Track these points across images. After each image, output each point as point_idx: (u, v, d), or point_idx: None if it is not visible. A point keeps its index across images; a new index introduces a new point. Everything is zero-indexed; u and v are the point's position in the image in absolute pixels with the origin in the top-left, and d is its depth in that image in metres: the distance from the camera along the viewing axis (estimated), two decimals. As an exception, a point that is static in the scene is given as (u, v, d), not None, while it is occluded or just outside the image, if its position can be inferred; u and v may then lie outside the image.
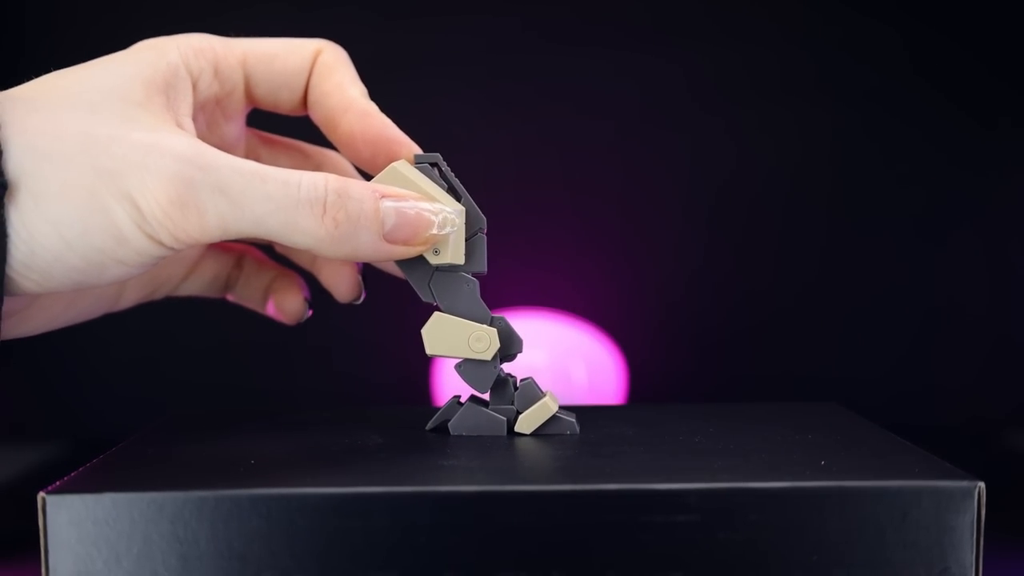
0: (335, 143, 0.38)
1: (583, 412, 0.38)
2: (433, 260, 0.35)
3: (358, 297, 0.41)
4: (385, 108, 0.37)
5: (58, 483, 0.30)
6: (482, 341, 0.35)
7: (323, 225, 0.32)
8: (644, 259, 0.68)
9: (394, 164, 0.34)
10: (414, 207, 0.33)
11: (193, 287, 0.41)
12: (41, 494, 0.29)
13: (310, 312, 0.42)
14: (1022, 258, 0.67)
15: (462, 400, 0.37)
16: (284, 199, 0.31)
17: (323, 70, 0.37)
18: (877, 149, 0.67)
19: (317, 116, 0.38)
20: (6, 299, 0.31)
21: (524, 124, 0.67)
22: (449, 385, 0.63)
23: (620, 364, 0.65)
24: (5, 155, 0.29)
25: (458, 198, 0.35)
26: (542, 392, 0.36)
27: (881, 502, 0.29)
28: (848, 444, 0.35)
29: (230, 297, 0.42)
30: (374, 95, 0.38)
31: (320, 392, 0.67)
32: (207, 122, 0.37)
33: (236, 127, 0.38)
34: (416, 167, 0.35)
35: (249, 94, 0.37)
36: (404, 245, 0.33)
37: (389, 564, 0.29)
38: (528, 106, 0.67)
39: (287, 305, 0.41)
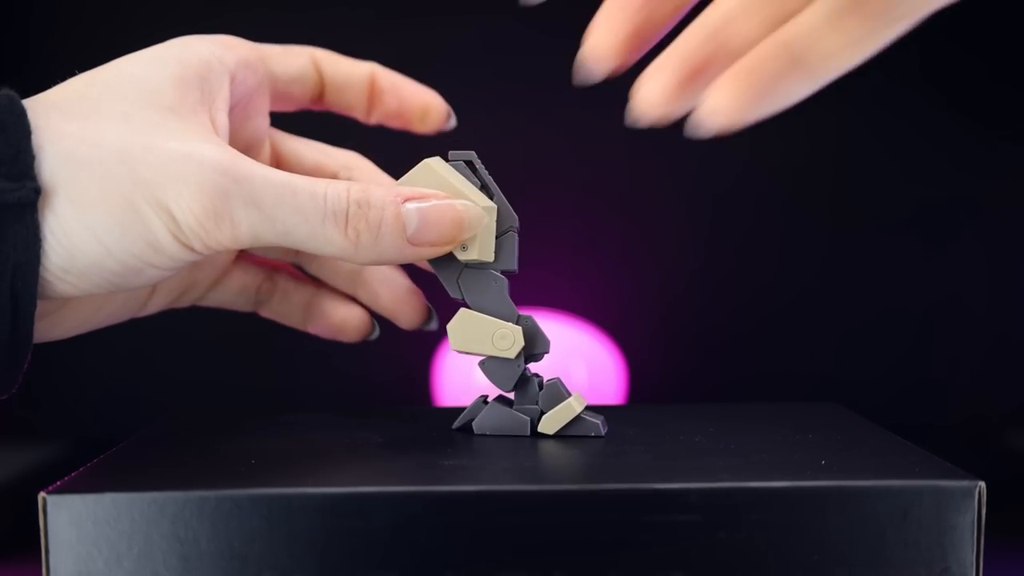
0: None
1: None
2: (461, 256, 0.35)
3: (426, 321, 0.41)
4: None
5: (59, 483, 0.30)
6: (506, 339, 0.35)
7: (346, 236, 0.32)
8: (644, 259, 0.68)
9: (427, 160, 0.34)
10: (437, 206, 0.33)
11: (221, 297, 0.41)
12: (42, 494, 0.29)
13: (377, 331, 0.42)
14: (1023, 258, 0.67)
15: (488, 400, 0.37)
16: (312, 212, 0.31)
17: (387, 85, 0.40)
18: (879, 149, 0.67)
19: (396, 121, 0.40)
20: (39, 301, 0.31)
21: (525, 124, 0.67)
22: (449, 385, 0.63)
23: (620, 364, 0.65)
24: (38, 160, 0.30)
25: (491, 196, 0.35)
26: (568, 393, 0.36)
27: (882, 501, 0.29)
28: (848, 444, 0.35)
29: (264, 313, 0.41)
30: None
31: (320, 392, 0.67)
32: (238, 118, 0.37)
33: (263, 123, 0.39)
34: (450, 164, 0.35)
35: (275, 91, 0.38)
36: (431, 246, 0.33)
37: (389, 564, 0.29)
38: (529, 106, 0.67)
39: (351, 319, 0.41)
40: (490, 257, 0.35)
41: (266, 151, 0.39)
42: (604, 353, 0.64)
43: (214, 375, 0.67)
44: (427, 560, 0.29)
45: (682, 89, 0.29)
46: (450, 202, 0.33)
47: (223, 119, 0.34)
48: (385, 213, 0.32)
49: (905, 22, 0.27)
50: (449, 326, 0.35)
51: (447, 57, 0.66)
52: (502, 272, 0.35)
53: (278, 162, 0.40)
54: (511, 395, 0.36)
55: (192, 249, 0.31)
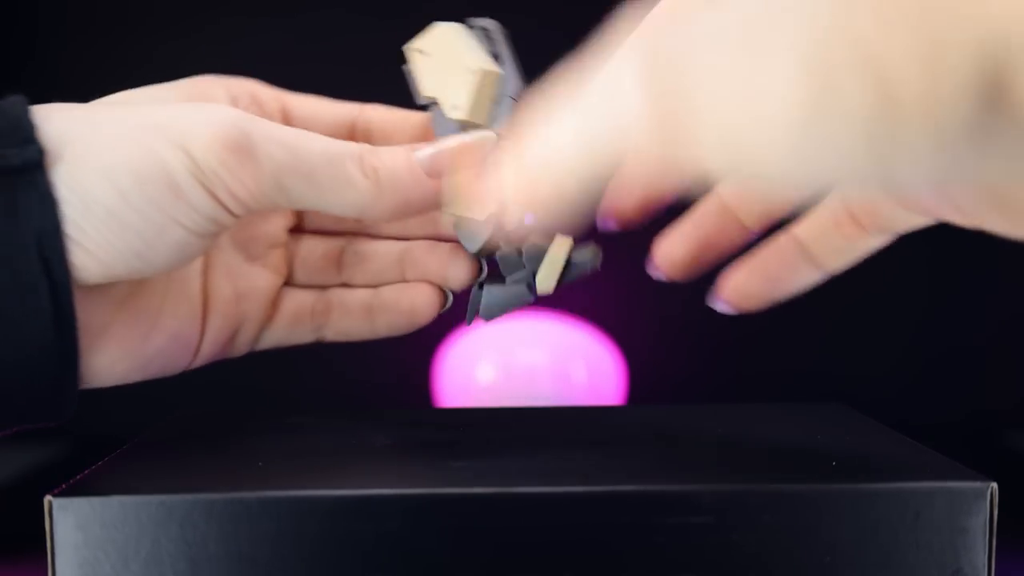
0: None
1: (584, 412, 0.38)
2: (451, 113, 0.34)
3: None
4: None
5: (64, 486, 0.30)
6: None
7: (366, 177, 0.32)
8: (644, 259, 0.68)
9: (438, 25, 0.34)
10: (448, 143, 0.33)
11: (277, 333, 0.38)
12: (48, 497, 0.29)
13: (451, 298, 0.39)
14: None
15: (483, 284, 0.36)
16: (332, 148, 0.32)
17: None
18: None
19: None
20: (79, 312, 0.30)
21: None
22: (449, 385, 0.63)
23: (620, 364, 0.65)
24: (41, 128, 0.29)
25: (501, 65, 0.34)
26: (546, 244, 0.35)
27: (893, 503, 0.29)
28: (858, 445, 0.35)
29: (329, 336, 0.39)
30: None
31: (320, 392, 0.67)
32: None
33: None
34: (471, 30, 0.34)
35: None
36: (451, 174, 0.33)
37: (399, 567, 0.29)
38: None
39: (419, 296, 0.38)
40: (482, 119, 0.34)
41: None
42: (604, 353, 0.64)
43: (214, 375, 0.66)
44: (437, 563, 0.29)
45: (697, 258, 0.38)
46: (459, 137, 0.34)
47: None
48: (396, 152, 0.33)
49: (890, 234, 0.34)
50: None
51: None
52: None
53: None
54: (503, 276, 0.35)
55: (215, 197, 0.30)
